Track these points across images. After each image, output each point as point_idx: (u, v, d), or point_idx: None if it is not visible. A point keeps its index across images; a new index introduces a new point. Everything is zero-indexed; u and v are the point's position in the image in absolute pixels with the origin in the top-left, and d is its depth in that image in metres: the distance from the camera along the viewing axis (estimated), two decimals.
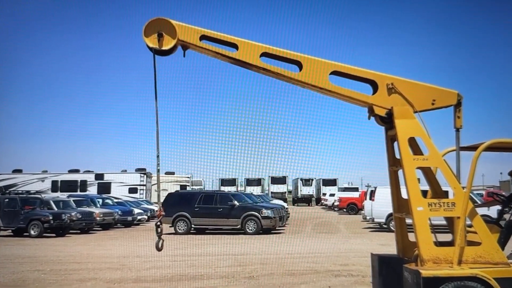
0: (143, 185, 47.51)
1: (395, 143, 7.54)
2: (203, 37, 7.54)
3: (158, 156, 7.48)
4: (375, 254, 8.27)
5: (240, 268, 14.23)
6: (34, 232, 25.36)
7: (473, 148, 7.43)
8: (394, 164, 7.84)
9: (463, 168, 7.32)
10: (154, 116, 7.67)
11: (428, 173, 7.52)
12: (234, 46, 7.51)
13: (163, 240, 7.51)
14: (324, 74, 7.44)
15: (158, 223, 7.48)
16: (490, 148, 7.36)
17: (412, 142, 7.33)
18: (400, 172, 7.67)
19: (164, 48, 7.45)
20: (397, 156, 7.54)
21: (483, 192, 40.63)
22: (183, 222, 27.27)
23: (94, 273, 13.51)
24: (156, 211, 7.56)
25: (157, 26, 7.46)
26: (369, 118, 7.70)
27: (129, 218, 34.22)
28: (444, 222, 7.51)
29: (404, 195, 7.54)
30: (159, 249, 7.50)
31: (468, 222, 6.97)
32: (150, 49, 7.52)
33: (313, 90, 7.73)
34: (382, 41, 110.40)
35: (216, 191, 38.62)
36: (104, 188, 46.73)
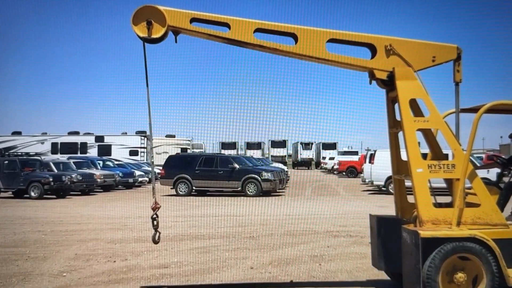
0: (143, 147, 47.55)
1: (396, 105, 7.49)
2: (194, 20, 7.27)
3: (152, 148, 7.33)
4: (374, 215, 8.30)
5: (240, 229, 14.37)
6: (35, 194, 25.51)
7: (474, 110, 7.38)
8: (394, 126, 7.80)
9: (463, 131, 7.30)
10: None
11: (429, 135, 7.49)
12: (226, 25, 7.29)
13: (159, 233, 7.42)
14: (321, 44, 7.31)
15: (154, 216, 7.38)
16: (492, 110, 7.31)
17: (413, 104, 7.27)
18: (400, 134, 7.64)
19: (154, 36, 7.18)
20: (398, 118, 7.50)
21: (483, 156, 40.71)
22: (184, 184, 27.50)
23: (95, 234, 13.62)
24: (152, 204, 7.42)
25: (145, 14, 7.16)
26: (370, 83, 7.61)
27: (130, 180, 34.39)
28: (443, 185, 7.53)
29: (404, 157, 7.54)
30: (155, 241, 7.38)
31: (468, 185, 6.98)
32: (141, 38, 7.30)
33: (311, 61, 7.62)
34: (379, 9, 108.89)
35: (217, 154, 38.76)
36: (105, 150, 46.76)
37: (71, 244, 12.03)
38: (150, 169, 39.62)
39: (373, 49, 7.39)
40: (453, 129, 7.26)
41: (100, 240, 12.54)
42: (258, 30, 7.34)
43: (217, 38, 7.45)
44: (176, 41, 7.41)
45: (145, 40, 7.27)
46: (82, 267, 9.55)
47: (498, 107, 7.30)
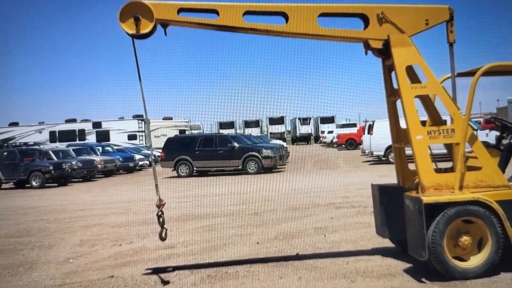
0: (142, 131, 47.47)
1: (393, 73, 7.46)
2: (181, 10, 7.16)
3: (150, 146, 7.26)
4: (375, 184, 8.32)
5: (244, 206, 14.42)
6: (36, 183, 25.58)
7: (470, 73, 7.36)
8: (392, 94, 7.78)
9: (459, 96, 7.29)
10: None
11: (427, 101, 7.47)
12: (215, 12, 7.18)
13: (166, 229, 7.45)
14: (312, 19, 7.23)
15: (160, 213, 7.39)
16: (489, 73, 7.29)
17: (410, 71, 7.25)
18: (398, 103, 7.63)
19: (143, 31, 7.05)
20: (395, 86, 7.48)
21: (481, 120, 40.76)
22: (185, 166, 27.62)
23: (99, 219, 13.66)
24: (157, 201, 7.43)
25: (132, 10, 7.02)
26: (366, 53, 7.57)
27: (131, 164, 34.41)
28: (443, 151, 7.55)
29: (403, 125, 7.53)
30: (162, 238, 7.42)
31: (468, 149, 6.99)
32: (130, 35, 7.12)
33: (304, 38, 7.55)
34: None
35: (216, 133, 38.78)
36: (103, 136, 46.67)
37: (76, 230, 12.08)
38: (149, 152, 39.68)
39: (365, 19, 7.34)
40: (450, 94, 7.25)
41: (105, 225, 12.58)
42: (247, 12, 7.24)
43: (206, 26, 7.36)
44: (165, 34, 7.30)
45: (134, 36, 7.15)
46: (88, 253, 9.60)
47: (495, 69, 7.29)
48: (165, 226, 7.47)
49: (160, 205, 7.41)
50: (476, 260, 6.57)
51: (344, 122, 69.22)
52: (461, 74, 7.64)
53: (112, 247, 10.00)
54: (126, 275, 7.82)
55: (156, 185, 7.54)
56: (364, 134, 31.68)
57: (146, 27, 7.08)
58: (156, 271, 7.93)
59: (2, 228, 13.16)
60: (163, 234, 7.42)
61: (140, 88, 7.46)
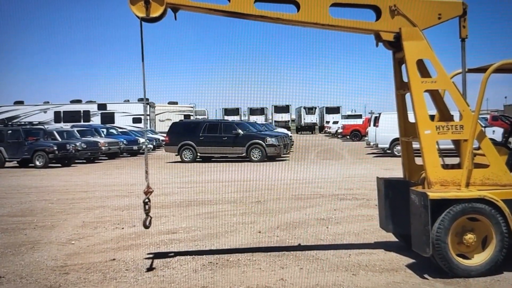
0: (147, 114, 47.39)
1: (403, 66, 7.40)
2: None
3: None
4: (381, 177, 8.27)
5: (247, 194, 14.39)
6: (39, 163, 25.60)
7: (481, 70, 7.29)
8: (402, 87, 7.73)
9: (469, 92, 7.23)
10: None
11: (436, 96, 7.41)
12: None
13: (151, 217, 7.38)
14: (324, 9, 7.14)
15: (146, 200, 7.33)
16: (500, 70, 7.22)
17: (420, 65, 7.18)
18: (407, 96, 7.57)
19: (153, 15, 6.95)
20: (405, 80, 7.42)
21: (488, 116, 40.63)
22: (189, 151, 27.59)
23: (101, 201, 13.66)
24: (145, 188, 7.36)
25: None
26: (377, 45, 7.48)
27: (135, 147, 34.37)
28: (449, 147, 7.50)
29: (411, 119, 7.48)
30: (146, 226, 7.37)
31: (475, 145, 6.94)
32: (139, 18, 7.02)
33: (315, 28, 7.47)
34: None
35: (220, 120, 38.72)
36: (108, 118, 46.56)
37: (78, 212, 12.08)
38: (154, 136, 39.70)
39: (377, 11, 7.25)
40: (460, 89, 7.19)
41: (107, 208, 12.58)
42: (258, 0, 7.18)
43: (217, 12, 7.27)
44: (175, 18, 7.22)
45: (144, 20, 7.07)
46: (90, 235, 9.60)
47: (507, 67, 7.22)
48: (150, 214, 7.38)
49: (147, 192, 7.36)
50: (479, 259, 6.54)
51: (349, 112, 69.07)
52: (472, 70, 7.57)
53: (114, 230, 10.01)
54: (127, 258, 7.82)
55: (146, 171, 7.50)
56: (369, 126, 31.61)
57: (156, 11, 7.00)
58: (158, 256, 7.92)
59: (5, 206, 13.19)
60: (147, 222, 7.34)
61: (143, 71, 7.42)
